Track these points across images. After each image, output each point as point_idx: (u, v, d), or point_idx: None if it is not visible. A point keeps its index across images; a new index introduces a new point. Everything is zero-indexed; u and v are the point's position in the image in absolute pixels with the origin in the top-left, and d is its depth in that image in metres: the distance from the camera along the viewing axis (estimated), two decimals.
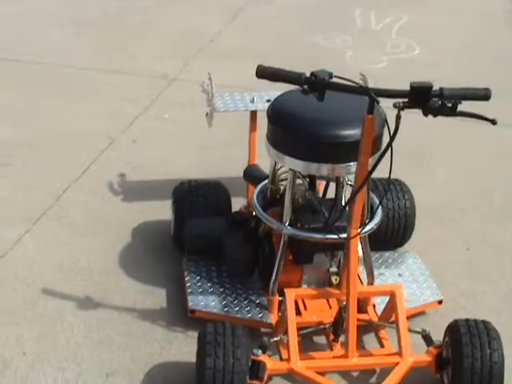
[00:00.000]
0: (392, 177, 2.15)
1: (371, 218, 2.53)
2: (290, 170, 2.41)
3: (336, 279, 2.57)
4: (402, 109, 1.97)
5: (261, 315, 2.52)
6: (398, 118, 1.95)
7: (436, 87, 1.97)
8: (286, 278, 2.52)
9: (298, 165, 2.36)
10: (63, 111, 4.15)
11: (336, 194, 2.55)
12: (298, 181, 2.61)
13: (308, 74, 2.01)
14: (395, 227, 2.90)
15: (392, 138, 1.98)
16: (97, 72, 4.69)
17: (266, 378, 2.20)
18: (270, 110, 2.43)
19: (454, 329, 2.27)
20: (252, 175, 2.87)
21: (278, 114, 2.38)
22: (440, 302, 2.67)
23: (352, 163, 2.31)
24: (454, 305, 2.74)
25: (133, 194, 3.35)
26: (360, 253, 2.60)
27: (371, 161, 2.22)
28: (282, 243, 2.48)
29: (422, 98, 1.95)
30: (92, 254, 2.94)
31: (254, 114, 2.95)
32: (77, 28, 5.38)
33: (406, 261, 2.87)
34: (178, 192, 2.90)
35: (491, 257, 3.05)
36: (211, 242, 2.68)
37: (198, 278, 2.67)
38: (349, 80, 2.00)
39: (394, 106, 1.95)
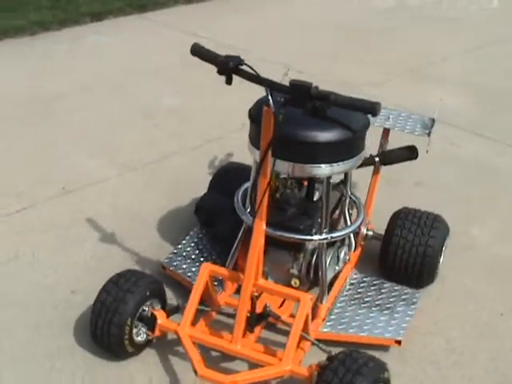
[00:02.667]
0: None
1: (331, 231, 2.49)
2: (255, 161, 2.48)
3: (296, 282, 2.57)
4: (284, 105, 1.97)
5: None
6: (279, 113, 1.96)
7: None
8: (245, 265, 2.60)
9: None
10: (223, 95, 4.47)
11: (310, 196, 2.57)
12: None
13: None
14: (410, 262, 2.73)
15: (273, 135, 2.01)
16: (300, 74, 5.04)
17: (157, 331, 2.38)
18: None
19: (334, 355, 2.16)
20: None
21: (254, 110, 2.44)
22: (398, 343, 2.48)
23: (314, 165, 2.31)
24: (427, 356, 2.53)
25: None
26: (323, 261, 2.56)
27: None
28: (242, 229, 2.58)
29: (302, 97, 1.93)
30: (147, 205, 3.34)
31: None
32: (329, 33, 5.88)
33: (401, 297, 2.68)
34: (219, 170, 3.12)
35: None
36: (212, 216, 2.87)
37: (193, 244, 2.89)
38: (255, 71, 2.05)
39: (274, 101, 1.97)
